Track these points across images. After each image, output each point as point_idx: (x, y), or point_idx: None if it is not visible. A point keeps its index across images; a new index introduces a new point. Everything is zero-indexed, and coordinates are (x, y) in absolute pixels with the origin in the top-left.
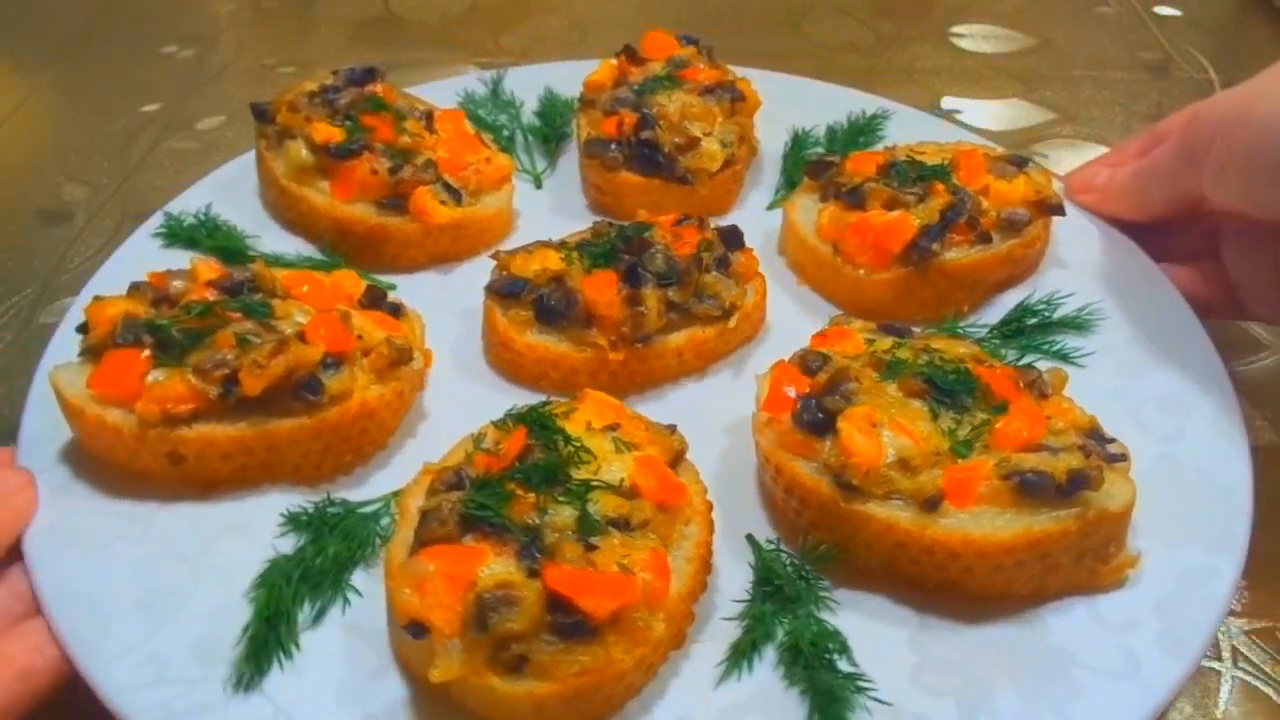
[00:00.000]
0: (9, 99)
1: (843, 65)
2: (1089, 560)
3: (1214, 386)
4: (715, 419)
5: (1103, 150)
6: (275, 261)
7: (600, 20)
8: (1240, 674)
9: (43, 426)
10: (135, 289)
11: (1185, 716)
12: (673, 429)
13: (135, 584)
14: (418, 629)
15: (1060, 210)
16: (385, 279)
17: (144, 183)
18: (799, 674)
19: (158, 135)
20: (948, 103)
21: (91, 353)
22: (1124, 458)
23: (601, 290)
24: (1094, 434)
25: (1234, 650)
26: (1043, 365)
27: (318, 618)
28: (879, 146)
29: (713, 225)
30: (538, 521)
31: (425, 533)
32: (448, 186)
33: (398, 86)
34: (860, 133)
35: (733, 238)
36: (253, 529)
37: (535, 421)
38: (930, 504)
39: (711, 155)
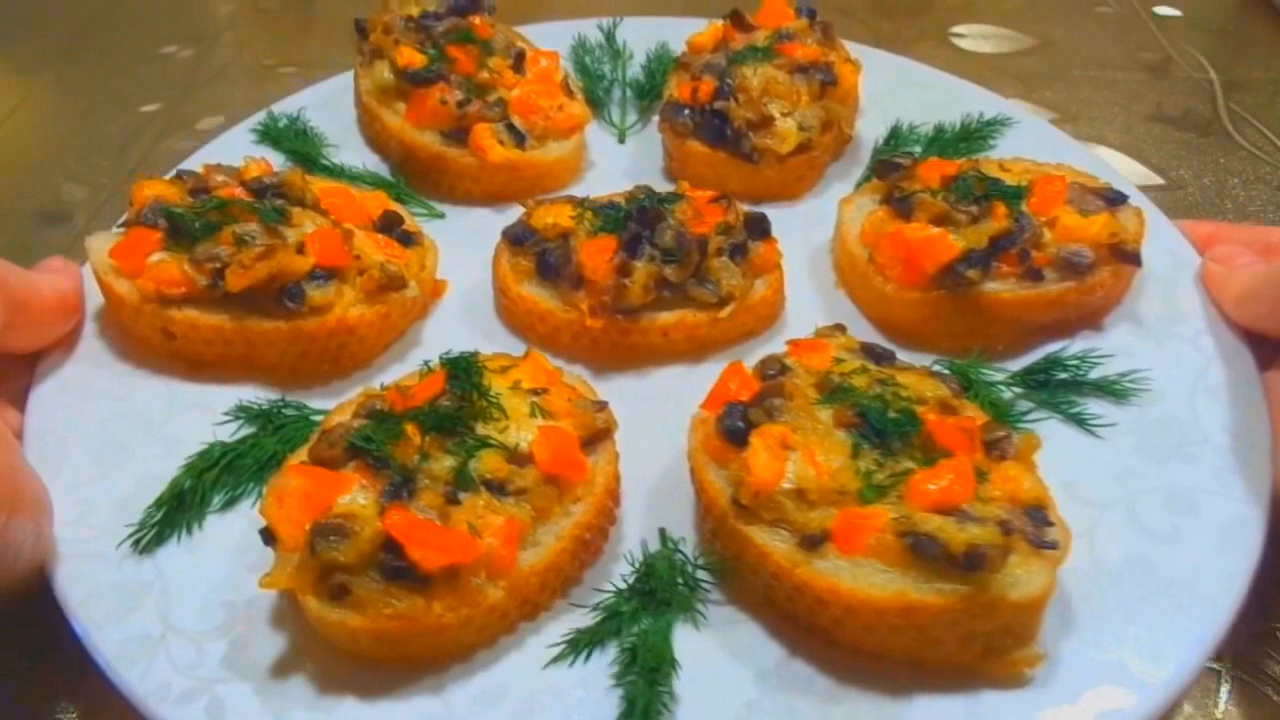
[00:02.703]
0: (9, 99)
1: None
2: (978, 645)
3: (1246, 496)
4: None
5: (1101, 150)
6: (335, 172)
7: None
8: (1240, 674)
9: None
10: (180, 176)
11: (1185, 716)
12: (602, 406)
13: (98, 434)
14: (267, 536)
15: (1135, 260)
16: (440, 207)
17: None
18: (626, 679)
19: (158, 135)
20: None
21: (126, 226)
22: (1055, 546)
23: (595, 255)
24: (1035, 512)
25: (1234, 650)
26: (1056, 427)
27: (229, 504)
28: (986, 155)
29: (743, 209)
30: (416, 465)
31: (314, 451)
32: (511, 127)
33: (510, 24)
34: (966, 137)
35: (757, 226)
36: (216, 412)
37: (463, 369)
38: (810, 542)
39: (783, 136)
